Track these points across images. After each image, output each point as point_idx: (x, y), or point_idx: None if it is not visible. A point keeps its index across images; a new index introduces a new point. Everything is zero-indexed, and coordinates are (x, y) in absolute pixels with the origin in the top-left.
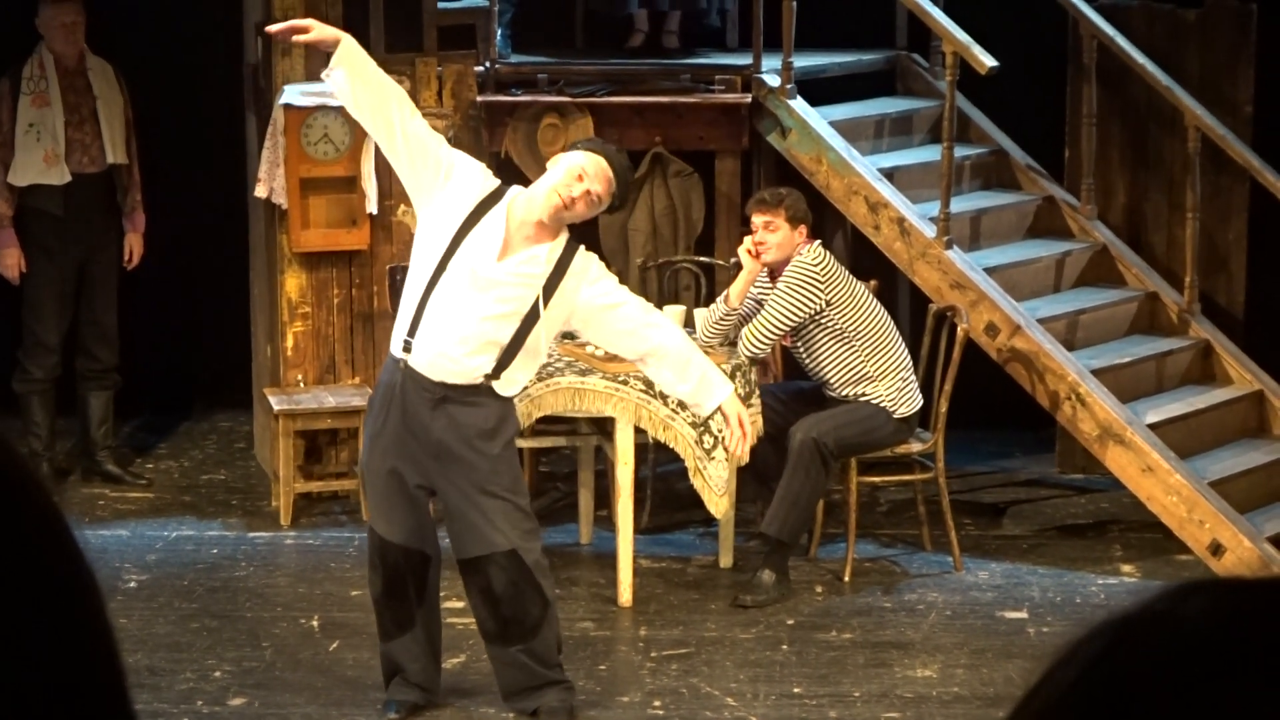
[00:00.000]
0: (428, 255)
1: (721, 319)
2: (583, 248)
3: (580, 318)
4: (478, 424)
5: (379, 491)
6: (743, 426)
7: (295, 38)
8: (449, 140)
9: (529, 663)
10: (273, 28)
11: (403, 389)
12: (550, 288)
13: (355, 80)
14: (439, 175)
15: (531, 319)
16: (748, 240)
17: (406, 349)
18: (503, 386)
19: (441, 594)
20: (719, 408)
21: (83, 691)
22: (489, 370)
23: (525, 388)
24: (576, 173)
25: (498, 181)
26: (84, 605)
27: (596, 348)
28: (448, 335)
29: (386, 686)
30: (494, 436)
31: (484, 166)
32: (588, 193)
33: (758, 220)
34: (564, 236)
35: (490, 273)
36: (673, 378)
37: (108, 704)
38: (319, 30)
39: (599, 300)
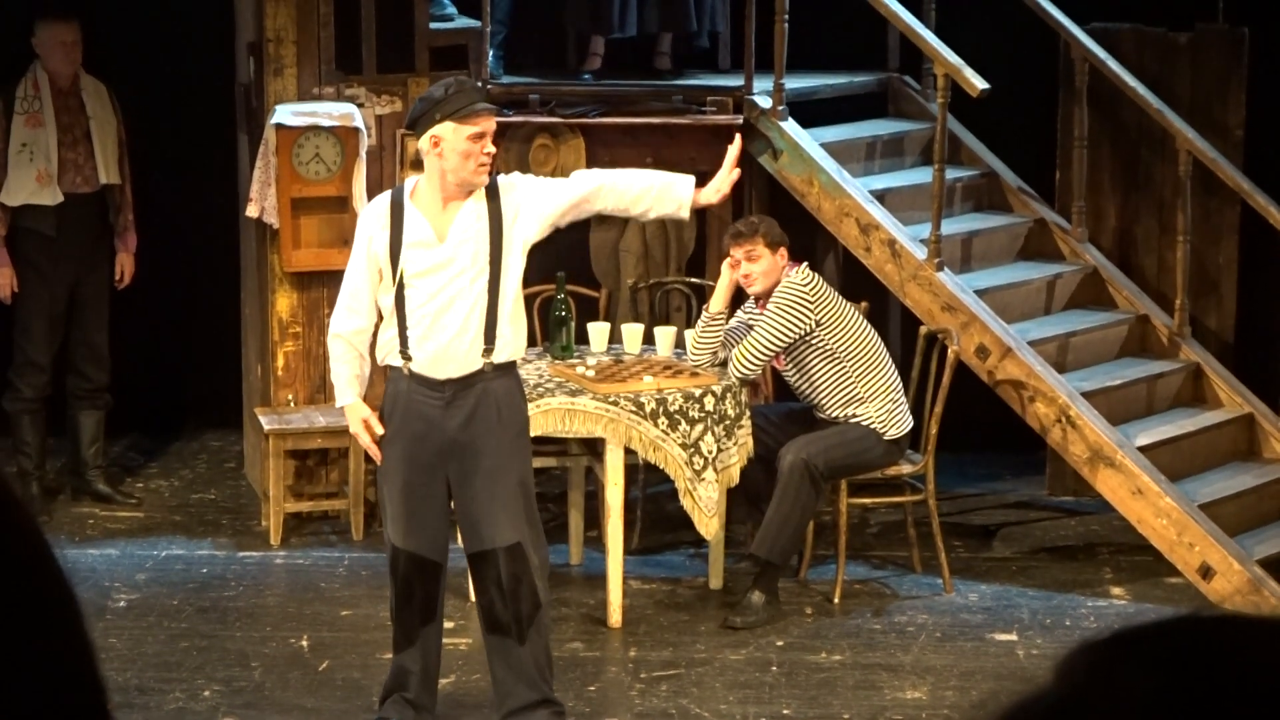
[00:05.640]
0: (388, 284)
1: (705, 328)
2: (500, 176)
3: (529, 217)
4: (488, 415)
5: (394, 500)
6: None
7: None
8: None
9: (522, 663)
10: None
11: (408, 395)
12: (496, 234)
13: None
14: (377, 266)
15: (495, 273)
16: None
17: (406, 359)
18: (501, 354)
19: None
20: (694, 197)
21: (64, 706)
22: (484, 346)
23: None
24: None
25: (386, 193)
26: (63, 620)
27: (588, 368)
28: (438, 334)
29: (381, 705)
30: (505, 423)
31: (371, 201)
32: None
33: (738, 252)
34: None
35: (440, 256)
36: (633, 196)
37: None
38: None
39: (538, 191)
